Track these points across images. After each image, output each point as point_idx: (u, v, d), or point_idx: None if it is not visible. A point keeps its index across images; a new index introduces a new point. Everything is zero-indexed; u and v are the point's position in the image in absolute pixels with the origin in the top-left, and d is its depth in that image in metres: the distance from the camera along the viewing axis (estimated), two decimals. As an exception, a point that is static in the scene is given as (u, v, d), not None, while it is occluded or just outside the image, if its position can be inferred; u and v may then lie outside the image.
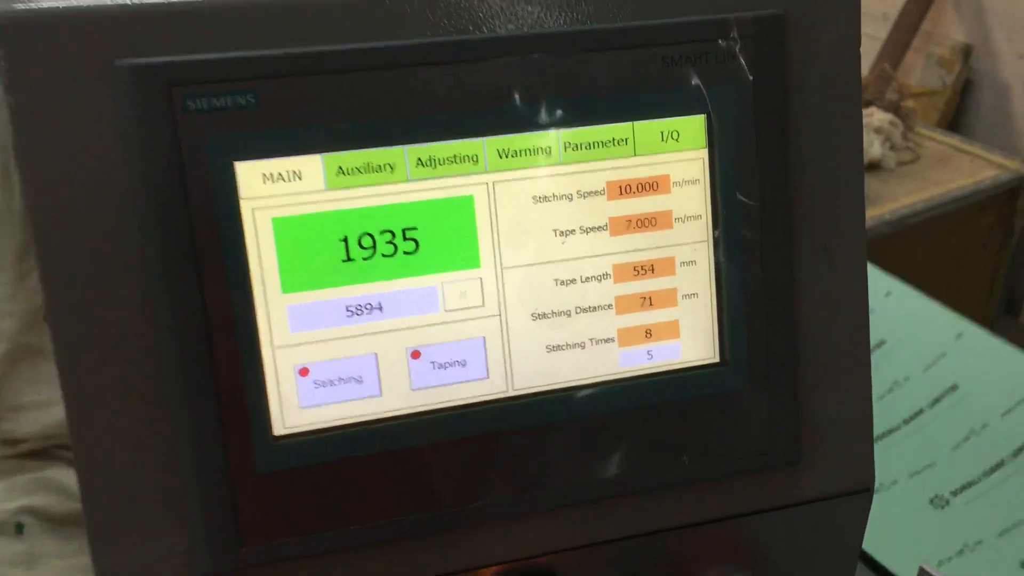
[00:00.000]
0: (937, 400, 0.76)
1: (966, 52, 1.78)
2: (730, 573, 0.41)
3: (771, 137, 0.37)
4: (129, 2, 0.32)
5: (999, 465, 0.70)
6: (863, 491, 0.41)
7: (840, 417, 0.40)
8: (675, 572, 0.40)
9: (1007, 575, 0.62)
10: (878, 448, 0.64)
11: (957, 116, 1.86)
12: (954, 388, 0.76)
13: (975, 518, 0.66)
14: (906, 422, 0.74)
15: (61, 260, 0.32)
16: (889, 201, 1.45)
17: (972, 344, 0.78)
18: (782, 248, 0.38)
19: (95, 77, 0.31)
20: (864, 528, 0.42)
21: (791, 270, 0.38)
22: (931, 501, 0.67)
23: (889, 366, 0.78)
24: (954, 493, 0.67)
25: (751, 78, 0.36)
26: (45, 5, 0.31)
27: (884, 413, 0.74)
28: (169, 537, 0.34)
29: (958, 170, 1.56)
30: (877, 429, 0.71)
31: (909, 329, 0.80)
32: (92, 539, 0.34)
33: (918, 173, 1.54)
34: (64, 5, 0.31)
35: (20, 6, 0.31)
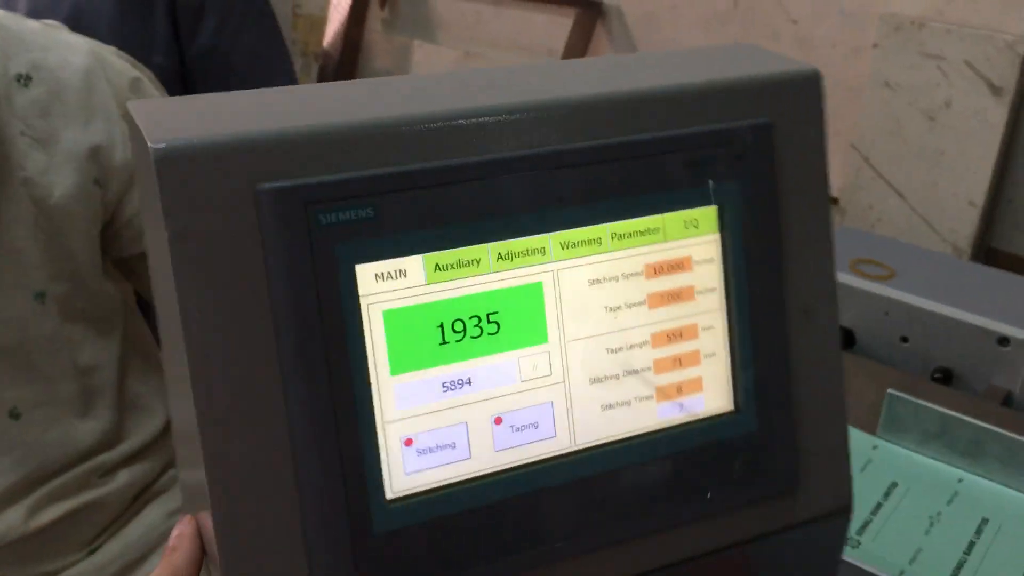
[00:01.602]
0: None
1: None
2: None
3: (766, 222, 0.45)
4: (266, 129, 0.36)
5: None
6: (845, 510, 0.49)
7: (824, 447, 0.48)
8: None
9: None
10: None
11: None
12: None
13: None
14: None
15: (211, 357, 0.36)
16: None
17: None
18: (776, 311, 0.46)
19: (240, 199, 0.36)
20: (844, 545, 0.50)
21: (783, 329, 0.46)
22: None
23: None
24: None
25: (750, 175, 0.44)
26: (191, 135, 0.35)
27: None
28: None
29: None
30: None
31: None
32: None
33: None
34: (208, 134, 0.36)
35: (171, 138, 0.35)
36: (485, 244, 0.40)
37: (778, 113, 0.45)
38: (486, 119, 0.40)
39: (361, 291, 0.38)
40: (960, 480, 0.83)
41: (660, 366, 0.44)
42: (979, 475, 0.83)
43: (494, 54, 2.34)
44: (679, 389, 0.44)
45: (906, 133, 1.77)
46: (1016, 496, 0.81)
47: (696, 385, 0.45)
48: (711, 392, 0.45)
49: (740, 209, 0.44)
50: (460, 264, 0.40)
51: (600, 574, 0.44)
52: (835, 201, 1.89)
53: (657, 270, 0.43)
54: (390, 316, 0.39)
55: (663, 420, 0.44)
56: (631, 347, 0.43)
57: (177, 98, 0.41)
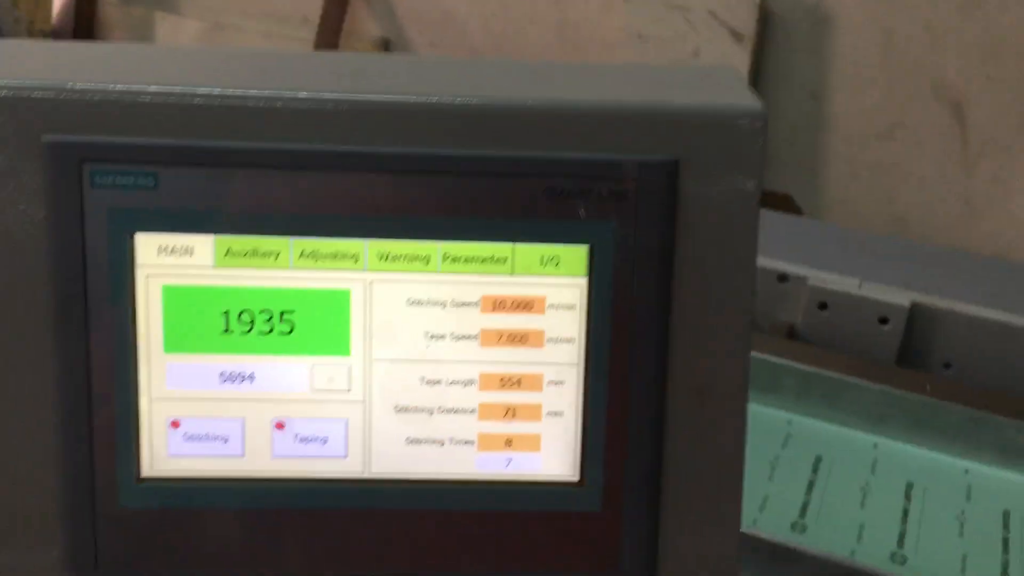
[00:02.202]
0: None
1: (385, 45, 1.96)
2: None
3: (651, 277, 0.38)
4: (58, 84, 0.36)
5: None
6: None
7: (705, 553, 0.40)
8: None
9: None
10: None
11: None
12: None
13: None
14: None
15: None
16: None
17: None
18: (652, 384, 0.38)
19: (29, 150, 0.36)
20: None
21: (660, 407, 0.38)
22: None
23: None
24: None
25: (636, 218, 0.37)
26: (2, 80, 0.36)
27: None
28: (41, 551, 0.39)
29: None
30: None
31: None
32: None
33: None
34: (19, 84, 0.36)
35: None
36: (286, 237, 0.37)
37: (694, 153, 0.37)
38: (307, 105, 0.37)
39: (139, 260, 0.37)
40: (789, 422, 0.88)
41: (486, 412, 0.39)
42: (772, 407, 0.89)
43: (246, 24, 2.15)
44: (508, 442, 0.39)
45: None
46: (843, 431, 0.88)
47: (532, 443, 0.39)
48: (551, 455, 0.39)
49: (617, 254, 0.37)
50: (255, 254, 0.37)
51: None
52: None
53: (497, 305, 0.38)
54: (170, 292, 0.37)
55: (482, 472, 0.39)
56: (452, 383, 0.38)
57: None
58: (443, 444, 0.39)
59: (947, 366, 1.00)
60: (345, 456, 0.39)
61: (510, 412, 0.39)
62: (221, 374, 0.38)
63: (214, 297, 0.37)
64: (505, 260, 0.38)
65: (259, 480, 0.39)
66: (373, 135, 0.37)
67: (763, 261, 1.00)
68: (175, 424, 0.38)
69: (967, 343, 0.98)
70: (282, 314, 0.38)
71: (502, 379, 0.38)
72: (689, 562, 0.40)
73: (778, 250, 1.07)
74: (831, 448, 0.86)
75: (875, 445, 0.86)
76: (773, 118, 2.00)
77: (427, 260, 0.37)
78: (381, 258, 0.37)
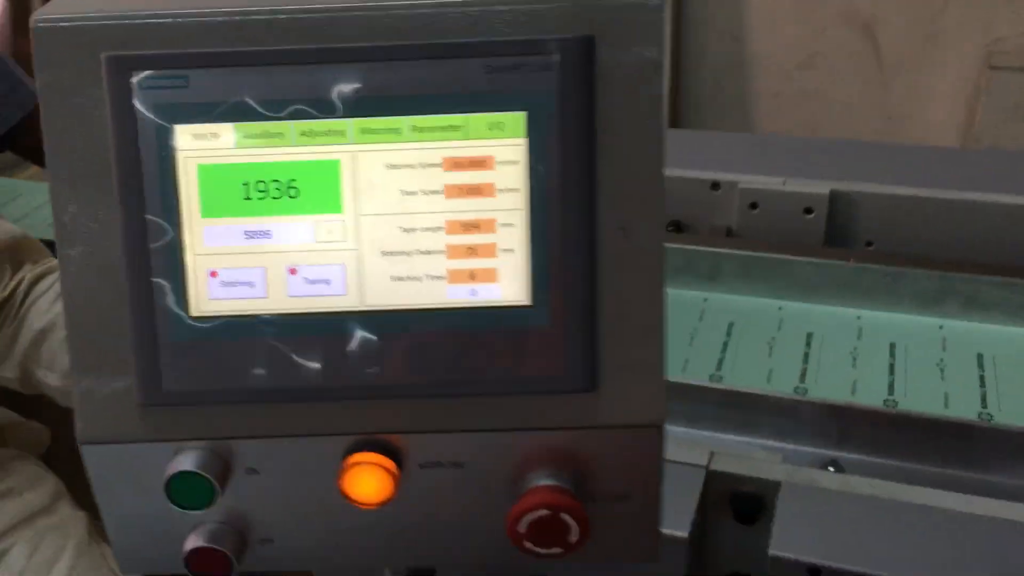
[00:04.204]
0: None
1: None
2: (550, 477, 0.51)
3: (576, 135, 0.48)
4: (109, 13, 0.47)
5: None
6: (654, 426, 0.51)
7: (634, 360, 0.50)
8: (509, 471, 0.52)
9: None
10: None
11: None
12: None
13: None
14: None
15: (69, 189, 0.48)
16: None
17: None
18: (583, 222, 0.49)
19: (88, 64, 0.47)
20: (658, 460, 0.52)
21: (591, 240, 0.49)
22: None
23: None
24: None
25: (563, 86, 0.47)
26: (62, 14, 0.47)
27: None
28: (119, 379, 0.50)
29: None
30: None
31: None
32: (73, 369, 0.50)
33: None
34: (81, 15, 0.47)
35: (52, 15, 0.47)
36: (288, 121, 0.48)
37: (606, 31, 0.47)
38: (301, 15, 0.47)
39: (179, 145, 0.48)
40: (705, 300, 1.06)
41: (453, 252, 0.49)
42: (720, 292, 1.07)
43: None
44: (471, 275, 0.49)
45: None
46: (754, 300, 1.05)
47: (490, 275, 0.49)
48: (506, 284, 0.49)
49: (549, 118, 0.48)
50: (265, 135, 0.48)
51: (368, 424, 0.50)
52: None
53: (456, 164, 0.48)
54: (203, 170, 0.48)
55: (452, 300, 0.49)
56: (425, 230, 0.49)
57: None
58: (420, 279, 0.49)
59: (869, 244, 1.13)
60: (345, 293, 0.49)
61: (472, 251, 0.49)
62: (246, 233, 0.49)
63: (237, 172, 0.48)
64: (460, 128, 0.48)
65: (279, 314, 0.49)
66: (351, 35, 0.47)
67: (696, 172, 1.17)
68: (213, 274, 0.49)
69: (884, 220, 1.11)
70: (288, 182, 0.48)
71: (464, 224, 0.49)
72: (623, 368, 0.50)
73: (709, 162, 1.19)
74: (742, 316, 1.04)
75: (780, 308, 1.05)
76: (700, 63, 2.11)
77: (399, 132, 0.48)
78: (362, 132, 0.48)
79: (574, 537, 0.50)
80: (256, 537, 0.53)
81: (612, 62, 0.48)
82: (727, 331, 1.00)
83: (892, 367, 0.93)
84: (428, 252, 0.49)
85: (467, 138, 0.48)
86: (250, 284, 0.49)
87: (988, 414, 0.86)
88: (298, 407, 0.50)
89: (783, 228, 1.12)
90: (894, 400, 0.88)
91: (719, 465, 0.77)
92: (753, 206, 1.14)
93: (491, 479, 0.52)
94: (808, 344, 0.97)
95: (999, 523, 0.71)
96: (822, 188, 1.11)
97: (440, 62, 0.47)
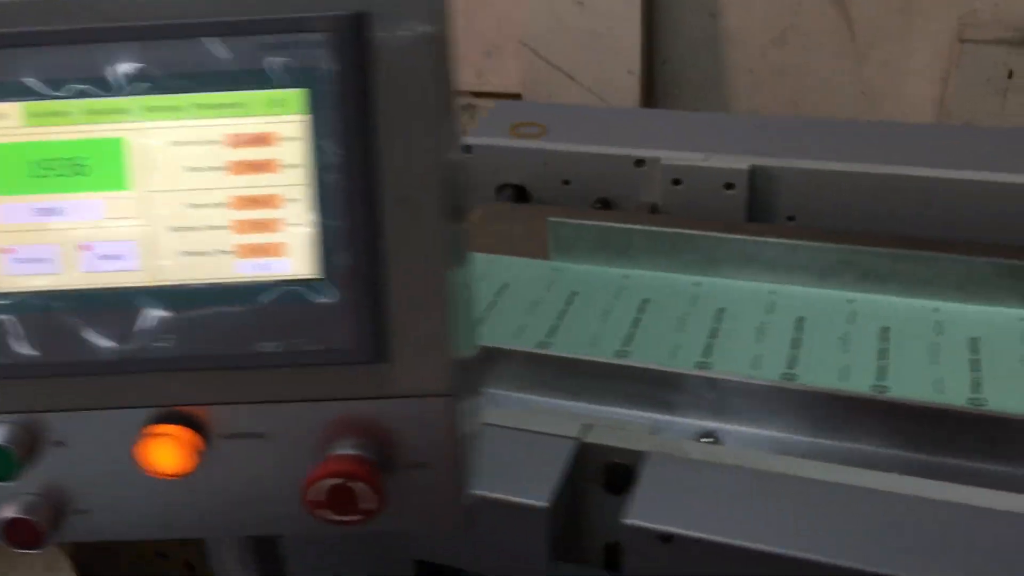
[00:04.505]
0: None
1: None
2: (347, 447, 0.52)
3: (356, 111, 0.48)
4: None
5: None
6: (445, 395, 0.51)
7: (423, 333, 0.51)
8: (309, 441, 0.53)
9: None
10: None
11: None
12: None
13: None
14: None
15: None
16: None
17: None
18: (366, 198, 0.49)
19: None
20: (454, 429, 0.52)
21: (375, 216, 0.49)
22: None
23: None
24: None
25: (341, 61, 0.48)
26: None
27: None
28: None
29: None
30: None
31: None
32: None
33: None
34: None
35: None
36: (73, 100, 0.49)
37: (381, 6, 0.48)
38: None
39: (-33, 125, 0.49)
40: (626, 277, 1.06)
41: (240, 227, 0.50)
42: (639, 269, 1.07)
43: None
44: (260, 250, 0.50)
45: (564, 21, 2.01)
46: (671, 276, 1.05)
47: (278, 250, 0.50)
48: (294, 258, 0.50)
49: (328, 94, 0.48)
50: (50, 114, 0.49)
51: (165, 397, 0.52)
52: (518, 96, 2.16)
53: (239, 141, 0.49)
54: (-6, 148, 0.49)
55: (241, 274, 0.50)
56: (212, 206, 0.50)
57: None
58: (210, 255, 0.50)
59: (791, 219, 1.12)
60: (137, 268, 0.50)
61: (259, 226, 0.50)
62: (38, 210, 0.50)
63: (24, 151, 0.49)
64: (242, 105, 0.49)
65: (74, 290, 0.50)
66: (130, 14, 0.48)
67: (620, 149, 1.18)
68: (8, 251, 0.50)
69: (804, 195, 1.11)
70: (76, 160, 0.49)
71: (249, 200, 0.50)
72: (412, 340, 0.51)
73: (634, 139, 1.19)
74: (658, 293, 1.04)
75: (698, 284, 1.05)
76: (677, 40, 2.10)
77: (181, 109, 0.49)
78: (146, 110, 0.49)
79: (369, 505, 0.51)
80: (72, 508, 0.55)
81: (388, 38, 0.48)
82: (639, 307, 1.01)
83: (796, 341, 0.93)
84: (216, 227, 0.50)
85: (249, 115, 0.49)
86: (44, 261, 0.50)
87: (883, 386, 0.86)
88: (97, 380, 0.52)
89: (706, 204, 1.12)
90: (793, 374, 0.88)
91: (592, 437, 0.77)
92: (676, 182, 1.14)
93: (292, 449, 0.53)
94: (719, 319, 0.97)
95: (859, 491, 0.71)
96: (742, 164, 1.10)
97: (219, 40, 0.48)
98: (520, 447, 0.77)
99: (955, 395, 0.84)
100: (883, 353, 0.90)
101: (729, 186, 1.11)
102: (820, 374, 0.87)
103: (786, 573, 0.68)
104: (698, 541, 0.69)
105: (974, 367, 0.87)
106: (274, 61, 0.48)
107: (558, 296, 1.02)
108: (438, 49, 0.49)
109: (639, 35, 1.97)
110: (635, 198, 1.18)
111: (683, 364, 0.89)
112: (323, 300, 0.50)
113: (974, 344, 0.90)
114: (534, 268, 1.07)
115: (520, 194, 1.22)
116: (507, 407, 0.88)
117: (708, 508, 0.71)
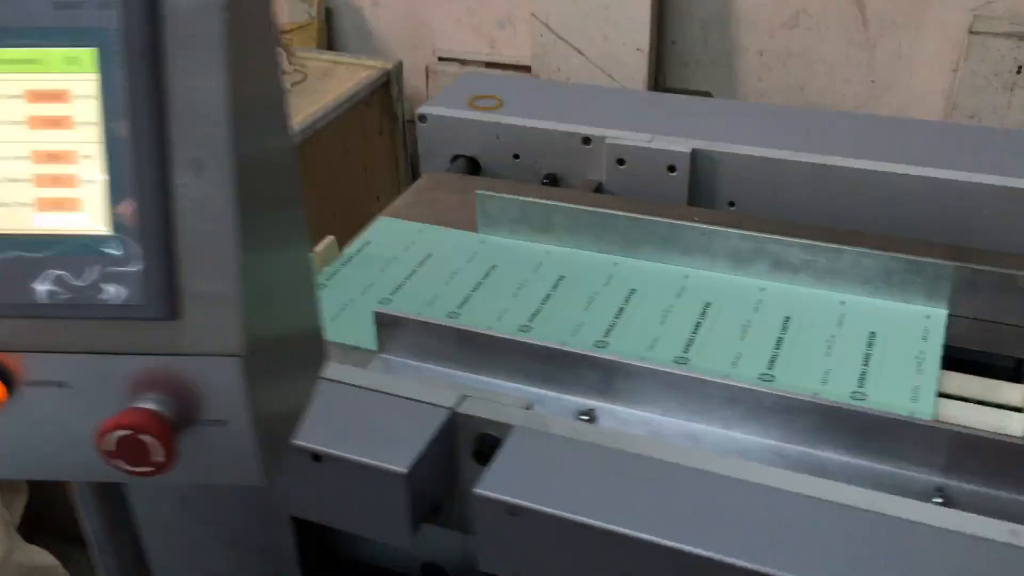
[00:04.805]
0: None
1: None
2: (143, 400, 0.54)
3: (144, 72, 0.50)
4: None
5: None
6: (235, 355, 0.53)
7: (213, 292, 0.52)
8: (108, 393, 0.54)
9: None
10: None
11: (329, 38, 2.53)
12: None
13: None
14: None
15: None
16: (294, 114, 1.80)
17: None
18: (155, 155, 0.50)
19: None
20: (244, 389, 0.54)
21: (163, 173, 0.50)
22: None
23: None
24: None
25: (126, 24, 0.49)
26: None
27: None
28: None
29: (340, 79, 2.06)
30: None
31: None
32: None
33: (310, 88, 2.01)
34: None
35: None
36: None
37: None
38: None
39: None
40: (547, 253, 1.06)
41: (39, 181, 0.52)
42: (561, 246, 1.06)
43: None
44: (56, 204, 0.52)
45: (574, -6, 2.01)
46: (590, 255, 1.05)
47: (74, 204, 0.52)
48: (89, 214, 0.52)
49: (118, 54, 0.50)
50: None
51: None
52: (528, 69, 2.21)
53: (37, 97, 0.51)
54: None
55: (40, 227, 0.52)
56: (12, 158, 0.51)
57: None
58: (10, 206, 0.52)
59: (731, 204, 1.11)
60: (-61, 220, 0.52)
61: (57, 181, 0.52)
62: None
63: None
64: (38, 62, 0.50)
65: None
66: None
67: (569, 127, 1.18)
68: None
69: (744, 181, 1.10)
70: None
71: (48, 155, 0.51)
72: (202, 299, 0.52)
73: (582, 116, 1.19)
74: (574, 270, 1.04)
75: (615, 264, 1.04)
76: (687, 20, 2.07)
77: (-18, 64, 0.50)
78: (-51, 64, 0.51)
79: (159, 457, 0.53)
80: None
81: (177, 1, 0.49)
82: (554, 284, 1.01)
83: (698, 326, 0.93)
84: (16, 180, 0.52)
85: (46, 71, 0.50)
86: None
87: (771, 375, 0.85)
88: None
89: (649, 185, 1.12)
90: (686, 358, 0.88)
91: (465, 408, 0.78)
92: (620, 162, 1.13)
93: (92, 400, 0.55)
94: (628, 300, 0.97)
95: (716, 478, 0.71)
96: (684, 147, 1.10)
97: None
98: (395, 413, 0.78)
99: (839, 388, 0.83)
100: (779, 342, 0.89)
101: (671, 168, 1.10)
102: (713, 360, 0.87)
103: (631, 553, 0.68)
104: (544, 515, 0.70)
105: (865, 361, 0.86)
106: (65, 19, 0.49)
107: (478, 268, 1.03)
108: (221, 15, 0.50)
109: (648, 13, 1.97)
110: (581, 174, 1.17)
111: (583, 343, 0.90)
112: (116, 256, 0.52)
113: (871, 338, 0.89)
114: (461, 239, 1.08)
115: (473, 166, 1.23)
116: (402, 374, 0.89)
117: (559, 483, 0.71)
